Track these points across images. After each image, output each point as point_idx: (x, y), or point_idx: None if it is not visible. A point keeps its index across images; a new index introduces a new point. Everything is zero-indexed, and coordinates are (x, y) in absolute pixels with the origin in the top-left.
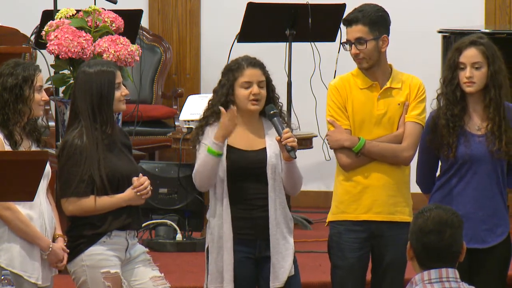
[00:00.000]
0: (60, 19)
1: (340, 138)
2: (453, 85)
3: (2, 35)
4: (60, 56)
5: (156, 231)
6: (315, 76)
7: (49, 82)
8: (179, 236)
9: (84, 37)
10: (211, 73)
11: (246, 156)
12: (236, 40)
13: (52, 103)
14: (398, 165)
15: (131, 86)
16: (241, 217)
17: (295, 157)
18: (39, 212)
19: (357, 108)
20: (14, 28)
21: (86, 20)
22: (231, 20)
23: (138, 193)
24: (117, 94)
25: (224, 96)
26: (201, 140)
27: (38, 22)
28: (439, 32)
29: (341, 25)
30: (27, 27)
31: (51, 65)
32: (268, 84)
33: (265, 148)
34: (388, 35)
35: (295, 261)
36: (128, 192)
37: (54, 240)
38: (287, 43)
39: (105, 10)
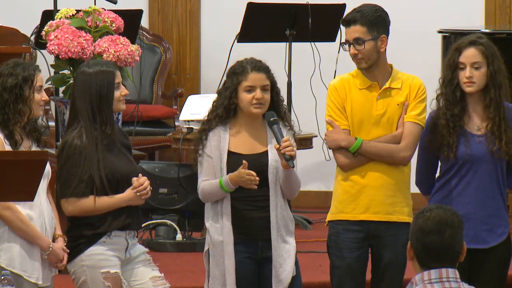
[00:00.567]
0: (60, 19)
1: (337, 138)
2: (453, 85)
3: (2, 35)
4: (60, 56)
5: (156, 231)
6: (315, 76)
7: (49, 82)
8: (179, 236)
9: (84, 37)
10: (211, 73)
11: (247, 160)
12: (236, 40)
13: (52, 103)
14: (395, 165)
15: (131, 86)
16: (241, 218)
17: (293, 166)
18: (39, 212)
19: (356, 108)
20: (14, 28)
21: (86, 20)
22: (231, 20)
23: (137, 194)
24: (117, 94)
25: (227, 99)
26: (205, 145)
27: (38, 22)
28: (439, 32)
29: (341, 26)
30: (27, 27)
31: (51, 65)
32: (273, 88)
33: (267, 151)
34: (388, 35)
35: (296, 262)
36: (128, 193)
37: (54, 240)
38: (287, 43)
39: (105, 10)
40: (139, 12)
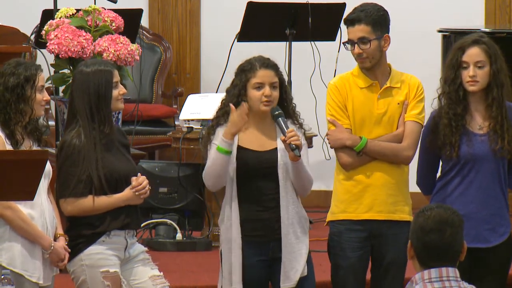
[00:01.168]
0: (60, 18)
1: (341, 137)
2: (456, 84)
3: (2, 35)
4: (60, 56)
5: (156, 231)
6: (315, 76)
7: (49, 82)
8: (179, 236)
9: (84, 36)
10: (211, 72)
11: (257, 156)
12: (236, 40)
13: (52, 103)
14: (398, 164)
15: (131, 85)
16: (251, 219)
17: (299, 155)
18: (40, 211)
19: (357, 108)
20: (14, 28)
21: (86, 19)
22: (231, 20)
23: (136, 193)
24: (115, 93)
25: (236, 97)
26: (212, 140)
27: (38, 21)
28: (439, 31)
29: (341, 25)
30: (27, 27)
31: (51, 65)
32: (281, 85)
33: (276, 148)
34: (389, 34)
35: (310, 262)
36: (127, 192)
37: (55, 239)
38: (287, 43)
39: (105, 9)
40: (139, 12)
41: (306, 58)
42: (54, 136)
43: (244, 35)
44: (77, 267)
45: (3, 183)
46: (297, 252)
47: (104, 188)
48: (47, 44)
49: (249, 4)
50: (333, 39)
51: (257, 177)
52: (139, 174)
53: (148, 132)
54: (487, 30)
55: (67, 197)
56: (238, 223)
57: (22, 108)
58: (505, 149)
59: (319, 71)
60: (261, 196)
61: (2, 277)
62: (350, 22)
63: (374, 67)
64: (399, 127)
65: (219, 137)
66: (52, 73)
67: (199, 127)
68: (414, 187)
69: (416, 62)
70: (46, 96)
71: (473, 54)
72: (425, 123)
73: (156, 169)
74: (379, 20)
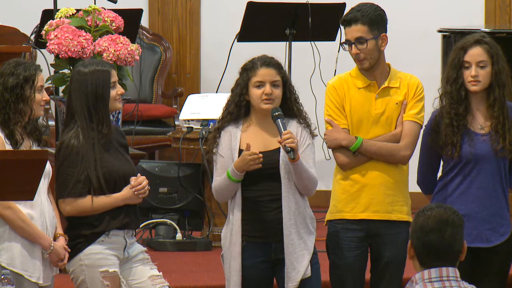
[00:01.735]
0: (60, 18)
1: (337, 137)
2: (457, 84)
3: (2, 35)
4: (60, 56)
5: (156, 231)
6: (315, 76)
7: (49, 82)
8: (179, 236)
9: (84, 36)
10: (211, 72)
11: None
12: (236, 40)
13: (52, 103)
14: (395, 164)
15: (131, 85)
16: (253, 220)
17: (293, 158)
18: (40, 211)
19: (355, 108)
20: (14, 28)
21: (86, 19)
22: (231, 20)
23: (135, 192)
24: (113, 93)
25: (238, 96)
26: (218, 143)
27: (38, 21)
28: (439, 31)
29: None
30: (27, 27)
31: (51, 65)
32: (285, 84)
33: (279, 148)
34: (386, 33)
35: (315, 264)
36: (125, 191)
37: (55, 239)
38: (287, 43)
39: (105, 9)
40: (139, 12)
41: (306, 58)
42: (54, 136)
43: (244, 35)
44: (76, 267)
45: (3, 183)
46: (299, 252)
47: (103, 188)
48: (47, 44)
49: (249, 4)
50: (333, 39)
51: (259, 178)
52: (138, 174)
53: (148, 132)
54: (487, 30)
55: (65, 197)
56: (239, 226)
57: (21, 108)
58: (507, 149)
59: (319, 71)
60: (263, 197)
61: (2, 277)
62: (347, 22)
63: (373, 67)
64: (398, 126)
65: (225, 151)
66: (52, 73)
67: (199, 127)
68: (414, 187)
69: (416, 62)
70: (45, 96)
71: (475, 54)
72: (424, 123)
73: (156, 169)
74: (375, 20)
